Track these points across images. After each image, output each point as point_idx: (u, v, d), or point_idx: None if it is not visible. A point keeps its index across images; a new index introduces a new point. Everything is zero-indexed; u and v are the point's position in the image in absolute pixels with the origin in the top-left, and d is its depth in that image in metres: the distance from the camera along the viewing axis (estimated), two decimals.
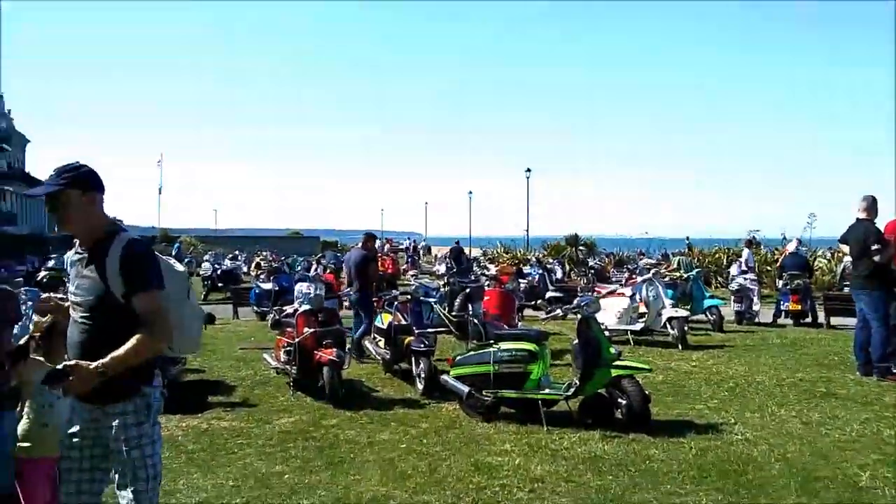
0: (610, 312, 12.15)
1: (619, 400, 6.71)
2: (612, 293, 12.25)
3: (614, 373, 6.67)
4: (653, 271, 12.82)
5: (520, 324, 11.81)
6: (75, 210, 3.10)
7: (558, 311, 7.31)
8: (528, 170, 45.03)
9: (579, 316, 7.04)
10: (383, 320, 9.68)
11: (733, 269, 21.32)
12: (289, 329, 8.86)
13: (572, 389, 6.83)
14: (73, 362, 2.93)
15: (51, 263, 28.19)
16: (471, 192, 60.49)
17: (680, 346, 11.74)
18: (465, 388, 7.22)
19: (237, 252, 44.83)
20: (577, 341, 6.95)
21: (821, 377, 9.32)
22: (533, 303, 17.17)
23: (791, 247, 21.55)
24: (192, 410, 7.81)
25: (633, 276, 14.84)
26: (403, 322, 9.23)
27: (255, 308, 17.31)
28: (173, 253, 43.14)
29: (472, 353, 7.53)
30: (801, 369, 9.89)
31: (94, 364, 2.92)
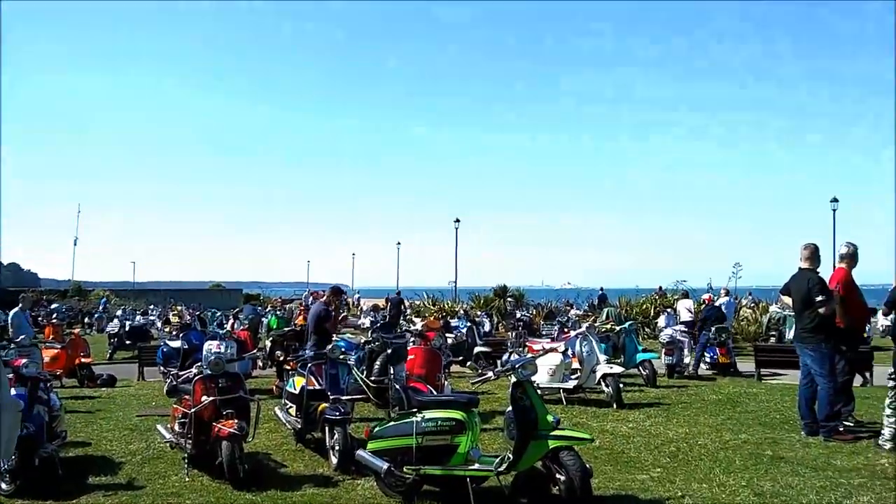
0: (542, 369, 11.43)
1: (558, 475, 5.90)
2: (548, 350, 11.54)
3: (552, 444, 5.89)
4: (585, 325, 12.21)
5: (446, 382, 10.97)
6: None
7: (490, 373, 6.51)
8: (457, 220, 44.71)
9: (513, 378, 6.27)
10: (295, 384, 8.70)
11: (661, 321, 21.09)
12: (186, 396, 7.82)
13: (505, 465, 6.01)
14: None
15: None
16: (399, 243, 59.98)
17: (615, 405, 11.09)
18: (384, 465, 6.33)
19: (152, 307, 42.81)
20: (510, 408, 6.17)
21: (765, 438, 8.75)
22: (461, 358, 16.38)
23: (723, 298, 21.52)
24: (66, 495, 6.72)
25: (567, 330, 14.24)
26: (317, 386, 8.28)
27: (161, 368, 15.90)
28: (100, 308, 40.82)
29: (391, 423, 6.65)
30: (743, 429, 9.32)
31: None
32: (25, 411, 6.92)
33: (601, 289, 34.40)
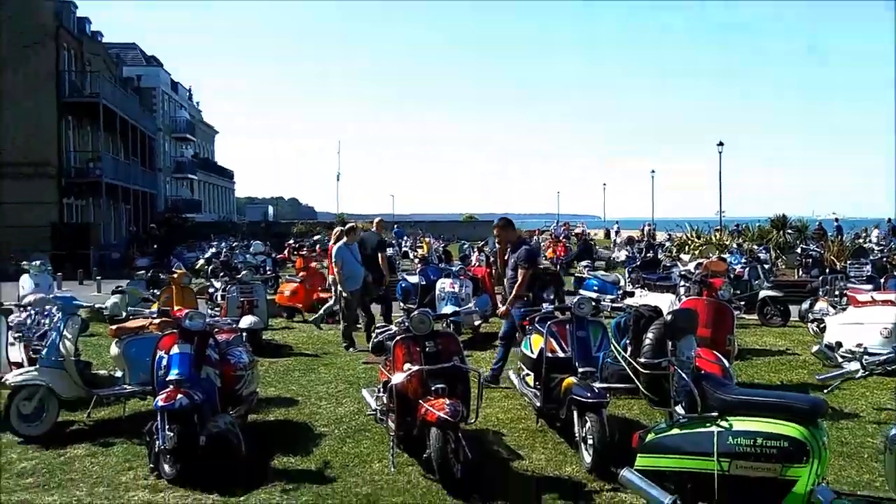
0: (870, 329, 8.33)
1: None
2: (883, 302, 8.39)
3: None
4: None
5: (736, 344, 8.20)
6: None
7: (853, 364, 3.82)
8: (721, 143, 39.82)
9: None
10: (532, 346, 6.56)
11: None
12: (389, 358, 5.99)
13: None
14: None
15: (209, 252, 27.41)
16: (653, 171, 55.89)
17: None
18: (665, 498, 3.99)
19: (405, 237, 43.03)
20: None
21: None
22: (742, 303, 13.26)
23: None
24: (235, 485, 5.23)
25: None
26: (560, 353, 6.06)
27: (401, 305, 14.58)
28: (394, 238, 41.16)
29: (676, 430, 4.22)
30: None
31: None
32: (188, 376, 5.44)
33: (836, 220, 28.88)
